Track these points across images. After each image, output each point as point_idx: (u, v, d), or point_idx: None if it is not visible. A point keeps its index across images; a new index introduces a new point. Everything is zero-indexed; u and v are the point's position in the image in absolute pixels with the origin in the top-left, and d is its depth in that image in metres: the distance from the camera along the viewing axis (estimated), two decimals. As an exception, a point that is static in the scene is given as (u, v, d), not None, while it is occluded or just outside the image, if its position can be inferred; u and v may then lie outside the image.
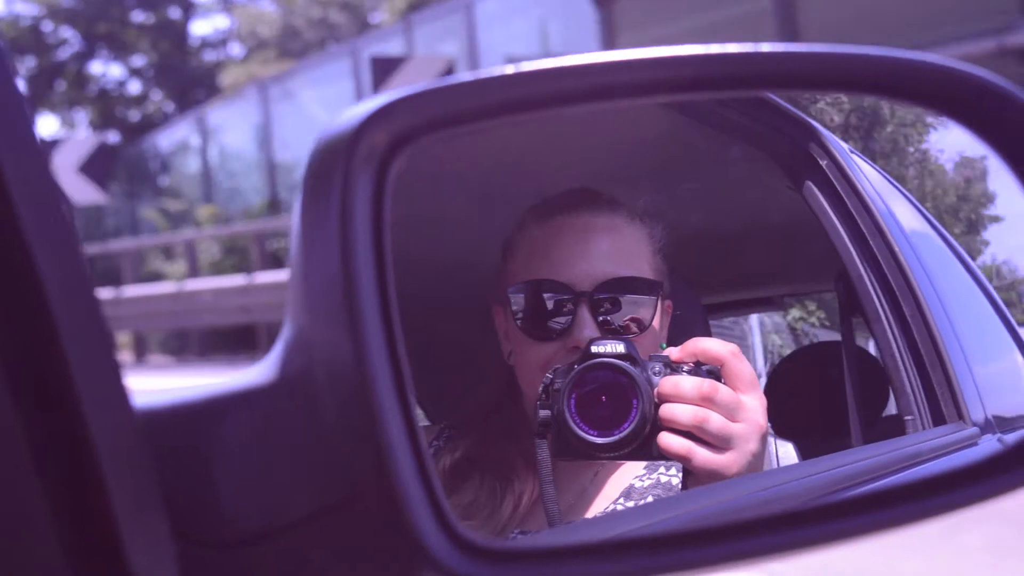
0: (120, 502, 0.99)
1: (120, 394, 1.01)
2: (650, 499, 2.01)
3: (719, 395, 1.80)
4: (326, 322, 1.14)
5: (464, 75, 1.19)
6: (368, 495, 1.13)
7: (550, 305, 2.02)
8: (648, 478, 2.03)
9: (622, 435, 1.81)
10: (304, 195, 1.15)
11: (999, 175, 1.86)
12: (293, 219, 1.17)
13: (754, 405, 1.82)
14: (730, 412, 1.79)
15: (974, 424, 2.31)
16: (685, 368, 1.84)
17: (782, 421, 2.26)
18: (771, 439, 2.14)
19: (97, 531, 0.99)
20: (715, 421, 1.79)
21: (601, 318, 2.00)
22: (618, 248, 2.07)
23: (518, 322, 2.05)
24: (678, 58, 1.26)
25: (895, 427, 2.38)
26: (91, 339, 0.99)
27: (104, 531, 0.99)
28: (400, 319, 1.16)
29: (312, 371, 1.15)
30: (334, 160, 1.13)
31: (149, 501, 1.06)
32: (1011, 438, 2.14)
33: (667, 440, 1.80)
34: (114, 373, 1.00)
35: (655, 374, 1.83)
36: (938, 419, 2.33)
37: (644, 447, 1.82)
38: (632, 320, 2.02)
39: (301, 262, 1.15)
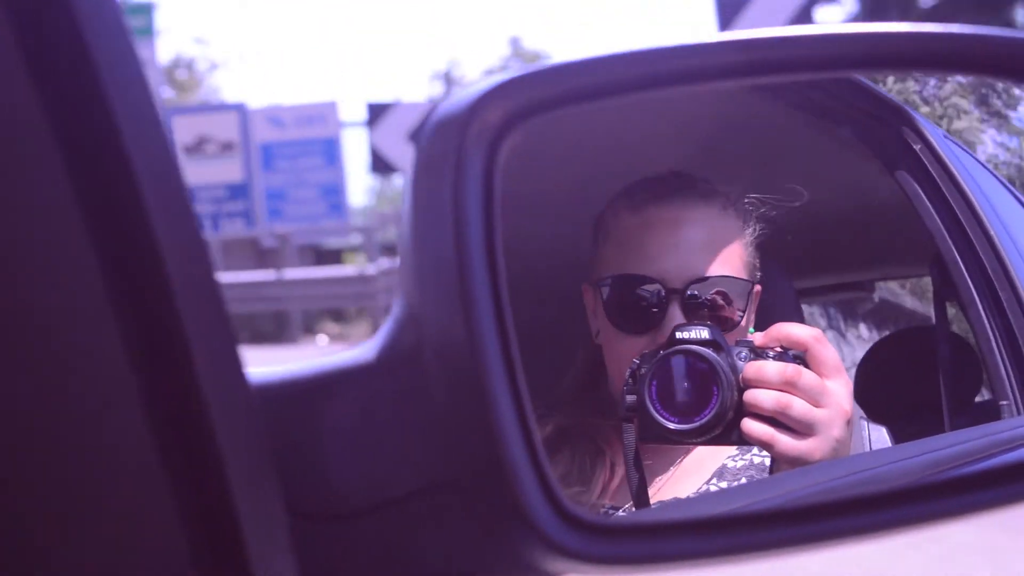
0: (235, 474, 1.00)
1: (236, 367, 1.03)
2: (743, 480, 2.01)
3: (803, 380, 1.79)
4: (438, 299, 1.15)
5: (575, 56, 1.20)
6: (477, 471, 1.14)
7: (641, 300, 2.02)
8: (741, 459, 2.03)
9: (703, 421, 1.81)
10: (415, 172, 1.16)
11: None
12: (404, 196, 1.18)
13: (839, 390, 1.81)
14: (814, 397, 1.79)
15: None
16: (771, 354, 1.84)
17: (876, 405, 2.25)
18: (864, 423, 2.13)
19: (212, 502, 1.00)
20: (798, 407, 1.78)
21: (691, 315, 2.00)
22: (711, 243, 2.06)
23: (608, 315, 2.06)
24: (794, 38, 1.27)
25: (990, 412, 2.36)
26: (208, 312, 1.00)
27: (219, 502, 1.00)
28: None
29: (422, 349, 1.16)
30: (447, 137, 1.14)
31: (263, 474, 1.07)
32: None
33: (750, 426, 1.80)
34: (230, 346, 1.02)
35: (740, 359, 1.83)
36: (1034, 405, 2.31)
37: (727, 432, 1.82)
38: (723, 319, 2.02)
39: (412, 240, 1.16)
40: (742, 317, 2.04)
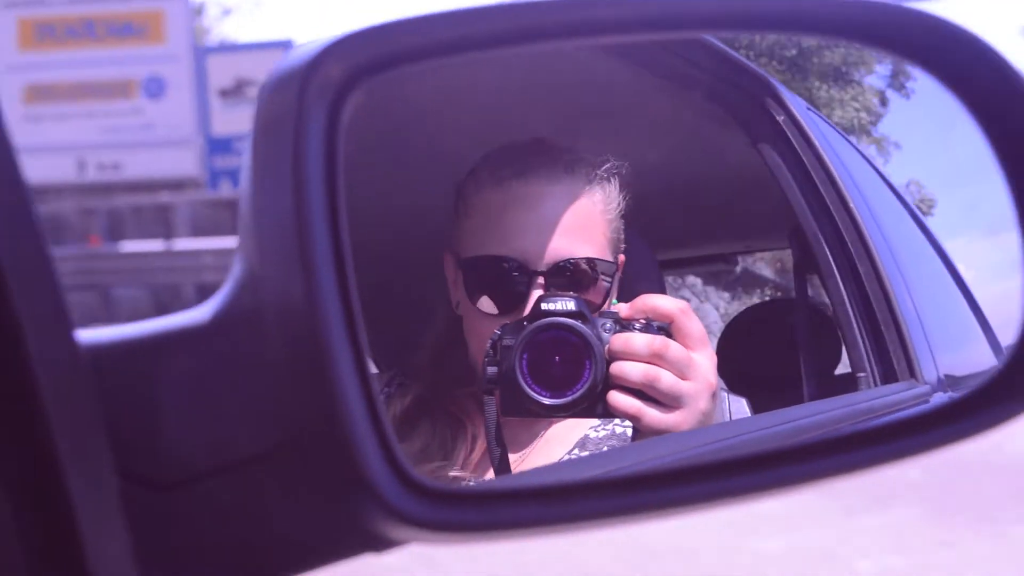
0: (62, 438, 0.97)
1: (64, 326, 1.00)
2: (605, 449, 2.01)
3: (670, 352, 1.79)
4: (277, 260, 1.12)
5: (423, 11, 1.18)
6: (317, 434, 1.12)
7: (502, 282, 2.00)
8: (603, 428, 2.03)
9: (575, 396, 1.81)
10: (255, 130, 1.13)
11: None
12: (244, 154, 1.15)
13: (704, 363, 1.82)
14: (681, 370, 1.79)
15: (926, 382, 2.32)
16: (636, 325, 1.83)
17: (736, 376, 2.26)
18: (724, 394, 2.14)
19: (38, 468, 0.97)
20: (666, 379, 1.78)
21: None
22: (574, 220, 2.03)
23: (469, 294, 2.03)
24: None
25: (848, 384, 2.38)
26: (34, 268, 0.97)
27: (45, 468, 0.97)
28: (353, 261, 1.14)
29: (262, 310, 1.13)
30: (287, 93, 1.11)
31: (92, 438, 1.04)
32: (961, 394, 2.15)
33: (617, 399, 1.79)
34: (58, 304, 0.99)
35: (605, 331, 1.82)
36: (891, 377, 2.34)
37: (594, 405, 1.81)
38: (586, 300, 2.01)
39: (252, 198, 1.13)
40: (605, 299, 2.03)
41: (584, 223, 2.04)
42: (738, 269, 3.18)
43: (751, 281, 3.29)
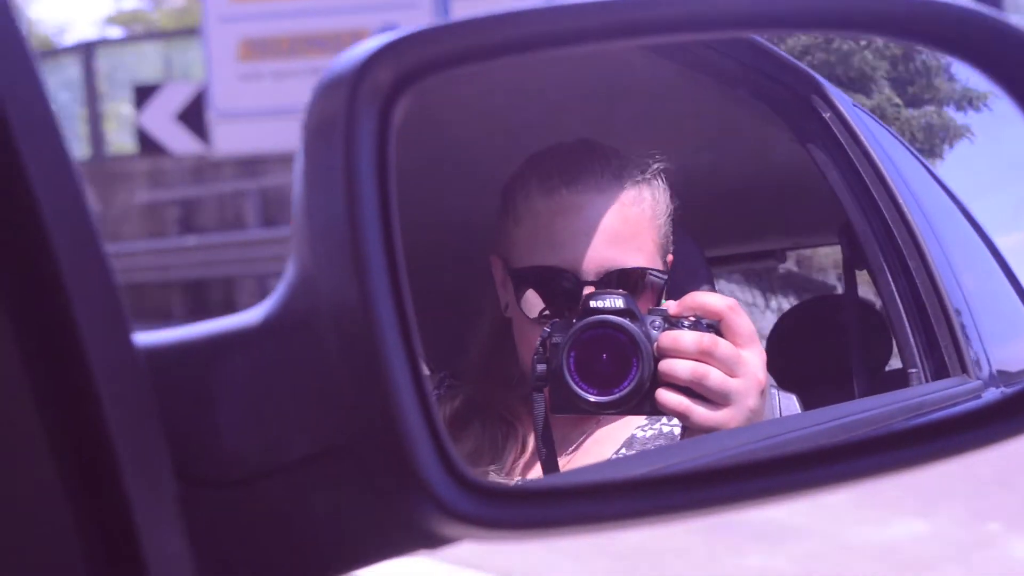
0: (121, 439, 0.99)
1: (122, 329, 1.01)
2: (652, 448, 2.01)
3: (719, 350, 1.79)
4: (330, 263, 1.13)
5: (473, 14, 1.19)
6: (371, 435, 1.13)
7: (554, 293, 2.01)
8: (651, 428, 2.03)
9: (622, 393, 1.81)
10: (306, 134, 1.15)
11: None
12: (296, 158, 1.16)
13: (753, 360, 1.82)
14: (729, 367, 1.79)
15: (978, 378, 2.31)
16: (685, 323, 1.84)
17: (786, 373, 2.26)
18: (774, 391, 2.14)
19: (97, 468, 0.99)
20: (714, 377, 1.78)
21: None
22: (625, 229, 2.03)
23: (520, 306, 2.04)
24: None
25: (899, 380, 2.38)
26: (92, 272, 0.98)
27: (104, 468, 0.99)
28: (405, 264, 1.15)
29: (316, 312, 1.14)
30: (337, 98, 1.12)
31: (150, 438, 1.05)
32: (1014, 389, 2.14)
33: (665, 397, 1.80)
34: (116, 307, 1.00)
35: (654, 328, 1.83)
36: (942, 373, 2.33)
37: (643, 403, 1.82)
38: (648, 310, 2.01)
39: (305, 202, 1.15)
40: (656, 306, 2.03)
41: (634, 231, 2.03)
42: (781, 268, 3.18)
43: (797, 280, 3.28)
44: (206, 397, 1.16)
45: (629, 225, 2.03)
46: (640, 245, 2.03)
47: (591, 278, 1.98)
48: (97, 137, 23.47)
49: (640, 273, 2.01)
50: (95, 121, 23.57)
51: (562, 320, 1.87)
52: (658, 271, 2.03)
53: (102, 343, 0.99)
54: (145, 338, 1.15)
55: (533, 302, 2.03)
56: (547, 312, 2.00)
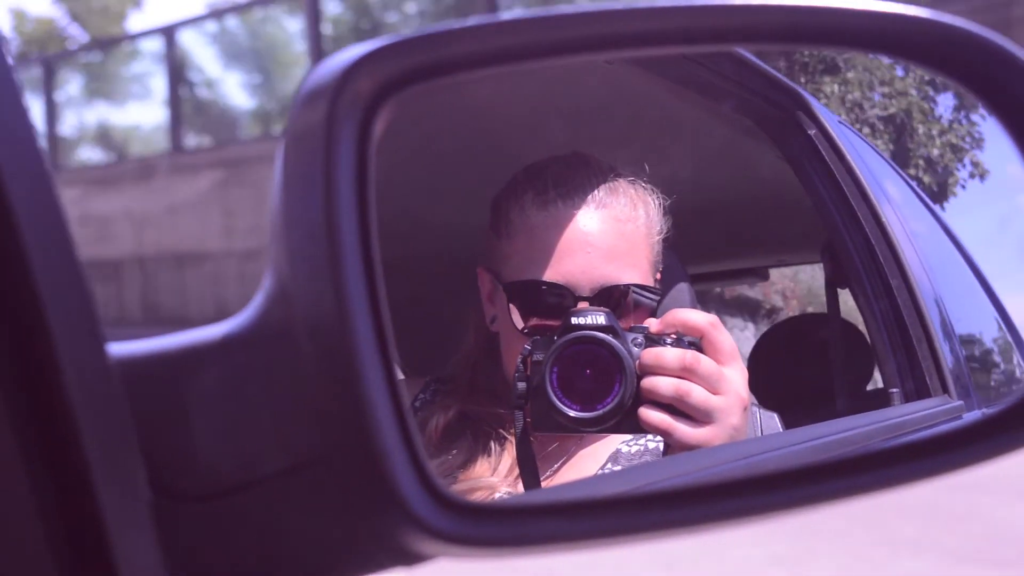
0: (94, 451, 0.97)
1: (96, 338, 1.00)
2: (636, 464, 2.00)
3: (701, 367, 1.79)
4: (308, 274, 1.12)
5: (453, 23, 1.18)
6: (347, 449, 1.12)
7: (547, 306, 2.00)
8: (636, 444, 2.02)
9: (605, 409, 1.80)
10: (285, 143, 1.14)
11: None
12: (275, 167, 1.15)
13: (736, 377, 1.81)
14: (712, 384, 1.78)
15: (959, 398, 2.31)
16: (667, 340, 1.83)
17: (767, 391, 2.25)
18: (756, 410, 2.13)
19: (69, 479, 0.97)
20: (697, 394, 1.78)
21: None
22: (620, 245, 2.03)
23: (513, 320, 2.02)
24: (671, 9, 1.25)
25: (880, 400, 2.37)
26: (65, 280, 0.97)
27: (77, 480, 0.97)
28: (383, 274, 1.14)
29: (292, 323, 1.13)
30: (317, 107, 1.11)
31: (124, 451, 1.04)
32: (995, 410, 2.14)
33: (648, 414, 1.79)
34: (90, 316, 0.99)
35: (636, 345, 1.82)
36: (923, 392, 2.32)
37: (625, 420, 1.81)
38: (629, 327, 2.00)
39: (283, 212, 1.13)
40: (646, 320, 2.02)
41: (629, 248, 2.03)
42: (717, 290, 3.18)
43: (742, 304, 3.29)
44: (181, 409, 1.15)
45: (624, 241, 2.03)
46: (634, 262, 2.02)
47: (586, 293, 1.98)
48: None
49: (635, 290, 2.00)
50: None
51: (543, 338, 1.86)
52: (652, 289, 2.03)
53: (76, 352, 0.97)
54: (119, 348, 1.13)
55: (526, 317, 2.02)
56: (538, 325, 1.99)
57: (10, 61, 1.00)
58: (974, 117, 2.51)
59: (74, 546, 0.98)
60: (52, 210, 0.98)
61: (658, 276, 2.08)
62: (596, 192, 2.04)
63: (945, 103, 2.65)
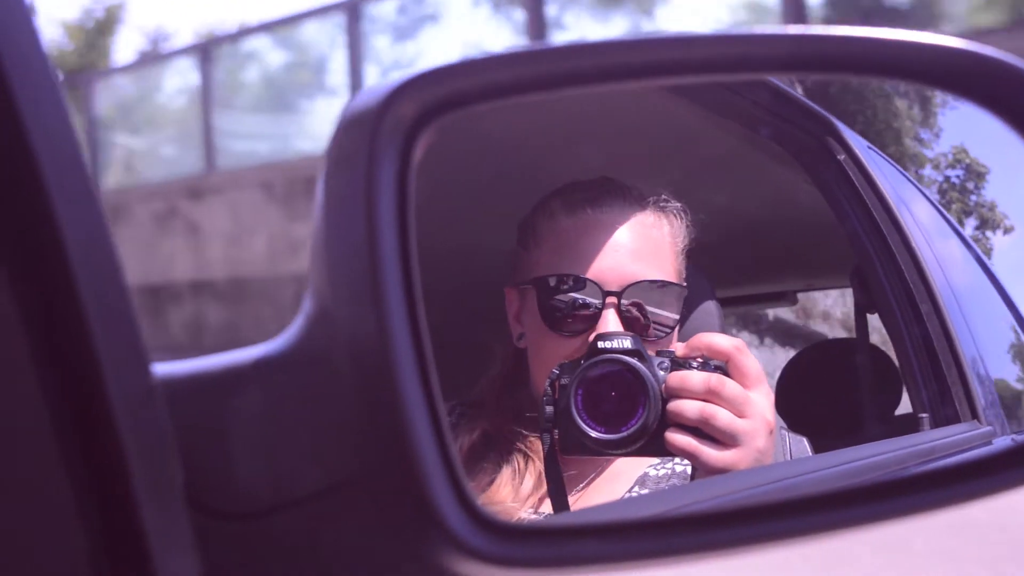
0: (137, 469, 0.99)
1: (140, 358, 1.01)
2: (664, 487, 2.01)
3: (726, 390, 1.79)
4: (349, 296, 1.13)
5: (491, 50, 1.19)
6: (385, 470, 1.13)
7: (577, 301, 2.02)
8: (663, 467, 2.03)
9: (629, 432, 1.81)
10: (328, 167, 1.15)
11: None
12: (317, 191, 1.16)
13: (761, 400, 1.82)
14: (737, 408, 1.79)
15: (989, 423, 2.31)
16: (694, 364, 1.84)
17: (796, 416, 2.26)
18: (785, 434, 2.14)
19: (113, 497, 0.98)
20: (722, 417, 1.78)
21: (626, 319, 2.00)
22: (647, 248, 2.06)
23: (542, 314, 2.05)
24: (711, 37, 1.26)
25: (909, 425, 2.37)
26: (112, 302, 0.98)
27: (120, 497, 0.98)
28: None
29: (333, 345, 1.14)
30: (360, 132, 1.12)
31: (166, 469, 1.05)
32: (1025, 436, 2.14)
33: (673, 437, 1.80)
34: (135, 337, 1.00)
35: (662, 369, 1.83)
36: (953, 418, 2.32)
37: (651, 444, 1.82)
38: (656, 323, 2.02)
39: (324, 235, 1.15)
40: (676, 322, 2.04)
41: (655, 250, 2.07)
42: (771, 316, 3.19)
43: (781, 330, 3.29)
44: (221, 429, 1.16)
45: (651, 244, 2.07)
46: (660, 264, 2.06)
47: (615, 288, 2.00)
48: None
49: (662, 286, 2.03)
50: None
51: (570, 362, 1.87)
52: (678, 284, 2.06)
53: (121, 373, 0.98)
54: (163, 368, 1.15)
55: (554, 313, 2.04)
56: (568, 325, 2.01)
57: (59, 77, 1.01)
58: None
59: (114, 560, 0.99)
60: (100, 233, 1.00)
61: (684, 283, 2.10)
62: (623, 200, 2.09)
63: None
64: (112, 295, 1.00)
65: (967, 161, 2.66)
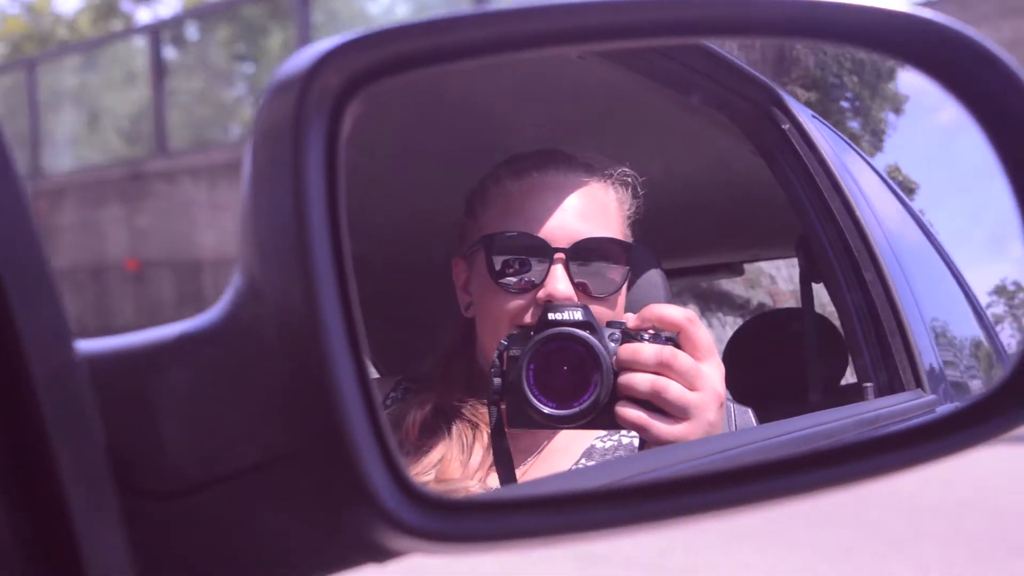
0: (61, 447, 0.97)
1: (63, 335, 0.99)
2: (611, 459, 2.01)
3: (678, 363, 1.79)
4: (277, 269, 1.11)
5: (420, 18, 1.17)
6: (317, 445, 1.11)
7: (525, 258, 2.01)
8: (610, 439, 2.03)
9: (581, 407, 1.80)
10: (254, 138, 1.13)
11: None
12: (243, 163, 1.14)
13: (713, 373, 1.81)
14: (689, 380, 1.78)
15: (932, 392, 2.31)
16: (644, 335, 1.82)
17: (741, 386, 2.25)
18: (730, 404, 2.14)
19: (37, 476, 0.97)
20: (674, 390, 1.78)
21: (574, 275, 1.99)
22: (593, 209, 2.07)
23: (490, 271, 2.03)
24: (639, 2, 1.25)
25: (854, 394, 2.38)
26: (34, 277, 0.96)
27: (44, 476, 0.97)
28: (353, 270, 1.14)
29: (262, 318, 1.12)
30: (286, 101, 1.10)
31: (91, 447, 1.03)
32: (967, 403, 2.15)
33: (624, 411, 1.79)
34: (58, 313, 0.98)
35: (613, 341, 1.82)
36: (897, 386, 2.33)
37: (602, 417, 1.81)
38: (603, 280, 2.02)
39: (252, 207, 1.13)
40: (625, 278, 2.04)
41: (602, 212, 2.08)
42: (703, 285, 3.18)
43: (716, 297, 3.29)
44: (149, 406, 1.14)
45: (597, 206, 2.08)
46: (607, 224, 2.07)
47: (563, 245, 2.00)
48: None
49: (609, 243, 2.03)
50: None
51: (519, 333, 1.86)
52: (625, 242, 2.06)
53: (43, 349, 0.96)
54: (87, 345, 1.12)
55: (502, 270, 2.04)
56: (516, 283, 2.00)
57: None
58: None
59: (42, 543, 0.97)
60: (18, 205, 0.98)
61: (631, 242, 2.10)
62: (570, 165, 2.10)
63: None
64: (33, 269, 0.98)
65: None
